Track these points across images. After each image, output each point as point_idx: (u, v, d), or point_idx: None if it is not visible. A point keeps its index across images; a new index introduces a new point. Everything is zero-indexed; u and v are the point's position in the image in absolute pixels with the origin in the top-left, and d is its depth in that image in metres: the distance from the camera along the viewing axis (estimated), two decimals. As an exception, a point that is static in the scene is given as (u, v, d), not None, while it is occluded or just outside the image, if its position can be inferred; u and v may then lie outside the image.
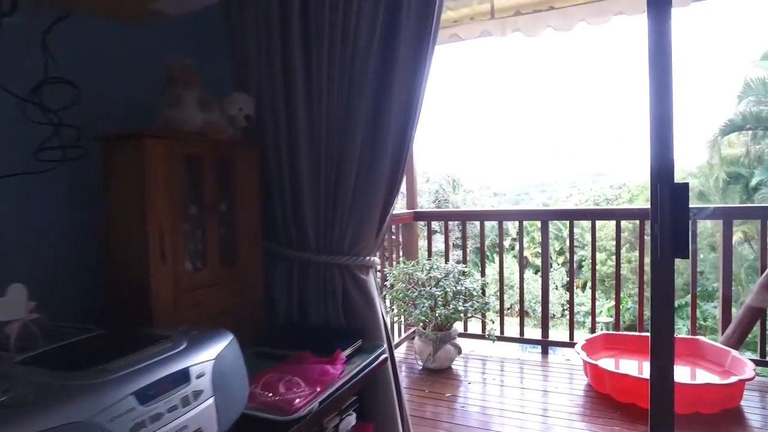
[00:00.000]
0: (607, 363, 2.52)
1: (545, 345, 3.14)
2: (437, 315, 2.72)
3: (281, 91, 1.53)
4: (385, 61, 1.46)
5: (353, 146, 1.47)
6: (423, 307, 2.72)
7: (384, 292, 2.98)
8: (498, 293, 3.35)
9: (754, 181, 10.24)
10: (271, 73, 1.54)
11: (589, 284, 12.63)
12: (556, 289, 15.45)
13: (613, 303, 13.79)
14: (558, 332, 10.43)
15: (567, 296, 11.62)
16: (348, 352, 1.31)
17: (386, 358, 1.41)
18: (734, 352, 2.45)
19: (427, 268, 2.92)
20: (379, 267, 1.61)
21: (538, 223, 3.24)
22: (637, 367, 2.62)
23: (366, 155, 1.48)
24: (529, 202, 25.49)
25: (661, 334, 1.19)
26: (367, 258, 1.52)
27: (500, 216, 3.80)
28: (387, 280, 3.00)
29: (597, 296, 3.20)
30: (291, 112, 1.51)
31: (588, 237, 10.22)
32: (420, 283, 2.88)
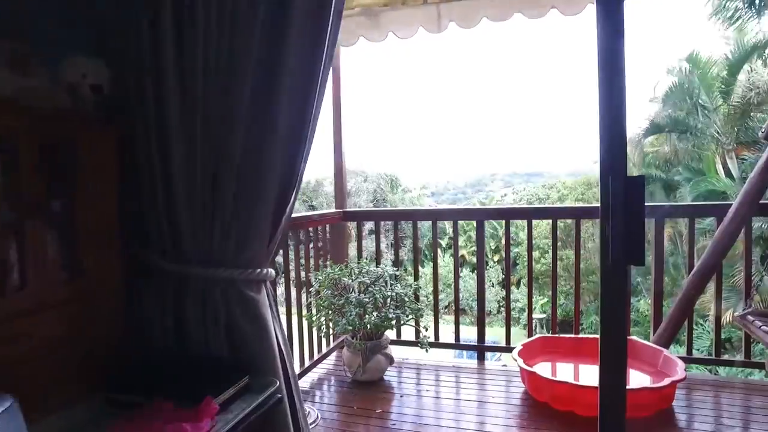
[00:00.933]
0: (544, 369, 2.43)
1: (481, 350, 2.99)
2: (366, 323, 2.47)
3: (149, 59, 1.18)
4: (273, 27, 1.17)
5: (236, 130, 1.17)
6: (350, 315, 2.46)
7: (309, 299, 2.70)
8: (433, 294, 3.15)
9: (672, 181, 11.02)
10: (137, 31, 1.19)
11: (523, 281, 13.10)
12: (492, 286, 15.91)
13: (545, 299, 14.47)
14: (494, 330, 10.72)
15: (503, 293, 11.96)
16: (226, 396, 0.99)
17: (281, 399, 1.10)
18: (666, 352, 2.45)
19: (356, 272, 2.67)
20: (272, 281, 1.28)
21: (475, 222, 3.08)
22: (573, 372, 2.54)
23: (252, 141, 1.17)
24: (465, 202, 26.21)
25: (612, 346, 1.04)
26: (258, 271, 1.19)
27: (434, 215, 3.64)
28: (312, 286, 2.72)
29: (531, 293, 3.10)
30: (159, 85, 1.17)
31: (521, 235, 10.60)
32: (349, 288, 2.62)
